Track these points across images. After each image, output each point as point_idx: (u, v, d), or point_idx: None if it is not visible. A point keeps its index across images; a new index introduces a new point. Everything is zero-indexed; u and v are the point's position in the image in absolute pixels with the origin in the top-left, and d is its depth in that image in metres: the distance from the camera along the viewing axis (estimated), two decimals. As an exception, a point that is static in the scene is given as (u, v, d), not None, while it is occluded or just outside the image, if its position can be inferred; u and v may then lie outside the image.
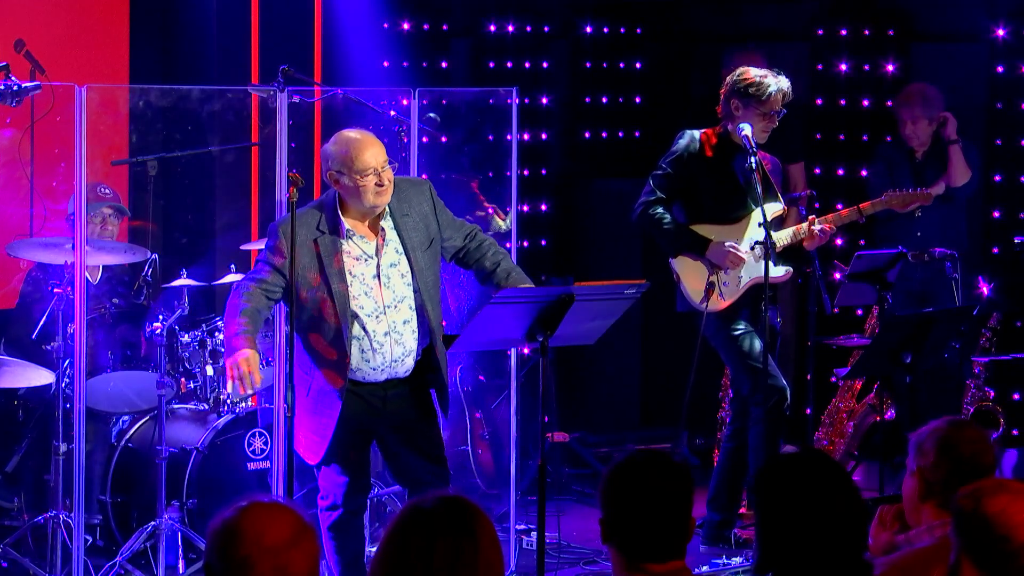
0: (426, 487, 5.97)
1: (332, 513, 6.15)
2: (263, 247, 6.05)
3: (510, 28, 10.16)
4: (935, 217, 8.78)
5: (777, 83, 7.37)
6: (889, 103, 9.81)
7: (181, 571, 7.06)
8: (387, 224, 6.03)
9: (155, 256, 7.36)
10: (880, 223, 9.00)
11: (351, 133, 6.05)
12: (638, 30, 10.72)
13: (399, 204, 6.05)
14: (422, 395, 6.15)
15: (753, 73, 7.40)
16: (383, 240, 6.01)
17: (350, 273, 5.95)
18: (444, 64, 9.95)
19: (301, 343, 6.01)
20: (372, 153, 5.92)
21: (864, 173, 9.80)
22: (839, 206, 7.97)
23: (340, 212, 5.97)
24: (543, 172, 10.31)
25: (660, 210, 7.46)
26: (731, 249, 7.37)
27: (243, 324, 5.89)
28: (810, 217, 7.58)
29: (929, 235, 8.68)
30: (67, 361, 6.92)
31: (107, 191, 7.64)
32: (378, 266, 5.99)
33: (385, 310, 5.99)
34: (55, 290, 6.91)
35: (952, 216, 8.85)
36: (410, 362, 6.06)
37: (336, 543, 6.17)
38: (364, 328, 5.95)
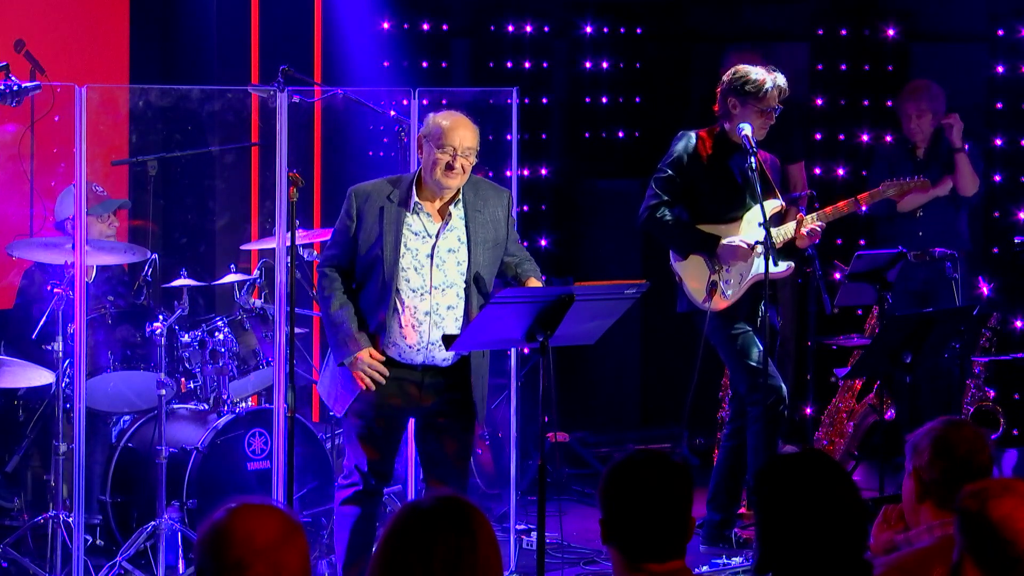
0: (452, 480, 6.09)
1: (348, 490, 6.22)
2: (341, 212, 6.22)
3: (510, 28, 10.16)
4: (937, 217, 8.77)
5: (773, 80, 7.38)
6: (889, 103, 9.81)
7: (181, 571, 7.06)
8: (457, 212, 6.16)
9: (155, 256, 7.35)
10: (882, 223, 9.00)
11: (458, 113, 6.27)
12: (638, 30, 10.72)
13: (475, 200, 6.21)
14: (461, 397, 6.18)
15: (749, 70, 7.40)
16: (447, 225, 6.13)
17: (405, 246, 6.08)
18: (444, 64, 9.95)
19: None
20: (461, 135, 6.10)
21: (864, 173, 9.79)
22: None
23: (415, 187, 6.13)
24: (543, 172, 10.31)
25: (666, 213, 7.47)
26: (741, 244, 7.37)
27: (342, 324, 6.08)
28: (799, 216, 7.57)
29: (931, 235, 8.66)
30: (67, 361, 6.91)
31: (100, 189, 7.64)
32: (434, 247, 6.10)
33: (431, 290, 6.08)
34: (55, 290, 6.90)
35: (954, 216, 8.84)
36: (449, 352, 6.09)
37: (345, 521, 6.18)
38: (404, 303, 6.05)
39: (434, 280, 6.08)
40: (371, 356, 6.07)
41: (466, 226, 6.16)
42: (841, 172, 9.98)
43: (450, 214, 6.14)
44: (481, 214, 6.19)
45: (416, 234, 6.09)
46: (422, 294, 6.07)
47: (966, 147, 8.76)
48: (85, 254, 6.76)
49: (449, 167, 6.05)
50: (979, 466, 4.07)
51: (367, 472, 6.18)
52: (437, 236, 6.11)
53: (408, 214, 6.09)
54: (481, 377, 6.21)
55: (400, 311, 6.05)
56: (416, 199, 6.11)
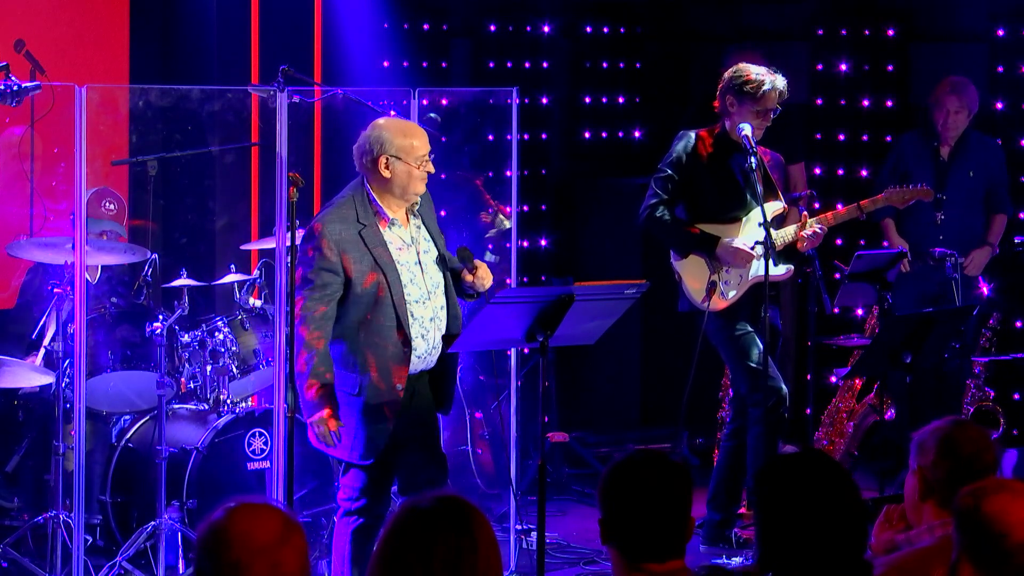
0: (429, 489, 5.96)
1: (360, 518, 6.05)
2: (305, 251, 5.93)
3: (510, 28, 10.16)
4: (956, 221, 8.71)
5: (773, 82, 7.37)
6: (889, 103, 9.81)
7: (181, 571, 7.06)
8: (415, 212, 6.11)
9: (155, 256, 7.36)
10: (902, 226, 8.89)
11: (401, 121, 6.17)
12: (638, 30, 10.72)
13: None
14: (433, 393, 6.16)
15: (750, 70, 7.40)
16: (416, 228, 6.09)
17: (397, 262, 5.99)
18: (444, 64, 9.95)
19: (347, 344, 5.95)
20: (424, 141, 6.04)
21: (864, 173, 9.78)
22: (839, 206, 7.95)
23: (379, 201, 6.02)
24: (543, 172, 10.31)
25: (665, 213, 7.47)
26: (741, 247, 7.36)
27: (315, 375, 5.87)
28: (803, 215, 7.56)
29: (951, 239, 8.62)
30: (67, 361, 6.91)
31: (112, 206, 7.60)
32: (417, 252, 6.06)
33: (429, 296, 6.04)
34: (55, 290, 6.91)
35: (974, 220, 8.79)
36: (439, 350, 6.08)
37: (356, 549, 6.04)
38: (414, 316, 5.98)
39: (428, 285, 6.05)
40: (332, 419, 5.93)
41: (424, 224, 6.15)
42: (841, 172, 9.97)
43: (414, 215, 6.10)
44: (423, 208, 6.16)
45: (399, 248, 6.02)
46: (423, 302, 6.02)
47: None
48: (85, 254, 6.76)
49: (427, 173, 6.02)
50: (984, 466, 4.07)
51: (384, 497, 6.09)
52: (415, 242, 6.06)
53: (383, 230, 6.00)
54: (455, 367, 6.21)
55: (411, 326, 5.99)
56: (389, 215, 6.02)
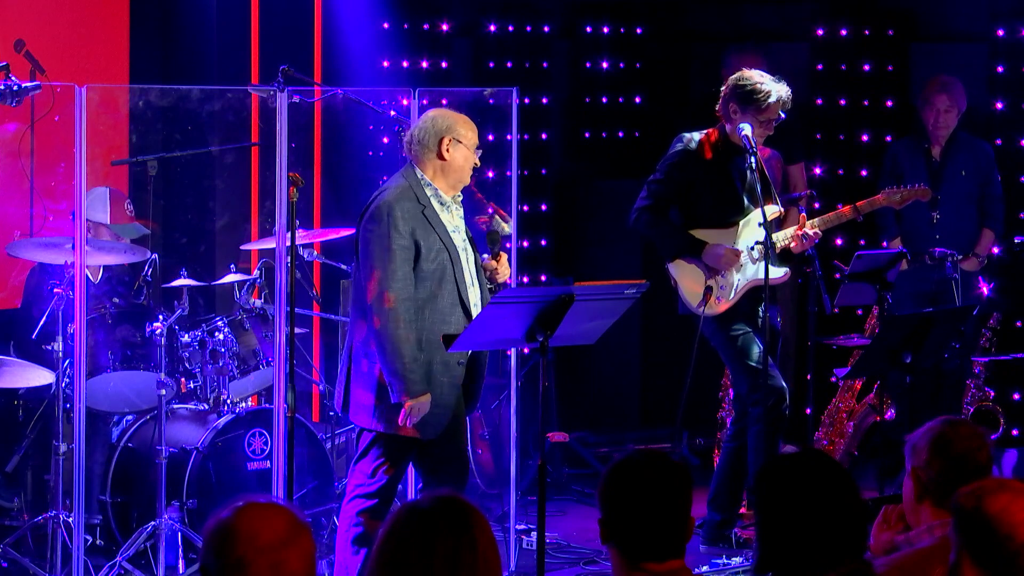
0: (456, 482, 6.07)
1: (370, 500, 6.07)
2: (380, 229, 6.00)
3: (510, 28, 10.16)
4: (952, 220, 8.72)
5: (778, 91, 7.31)
6: (889, 103, 9.80)
7: (181, 571, 7.06)
8: (459, 203, 6.25)
9: (155, 256, 7.36)
10: (899, 227, 8.89)
11: (455, 112, 6.30)
12: (638, 30, 10.72)
13: None
14: (470, 386, 6.23)
15: (755, 80, 7.33)
16: (460, 217, 6.22)
17: (453, 243, 6.12)
18: (444, 64, 9.95)
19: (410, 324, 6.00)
20: (477, 135, 6.23)
21: (864, 173, 9.78)
22: (839, 206, 7.94)
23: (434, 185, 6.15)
24: (543, 172, 10.31)
25: (655, 215, 7.46)
26: (726, 250, 7.35)
27: (416, 362, 5.95)
28: (801, 217, 7.54)
29: (947, 239, 8.62)
30: (67, 361, 6.91)
31: (131, 208, 7.63)
32: (463, 239, 6.19)
33: (474, 282, 6.18)
34: (55, 290, 6.91)
35: (969, 218, 8.79)
36: None
37: (364, 531, 6.05)
38: (468, 299, 6.12)
39: (473, 272, 6.19)
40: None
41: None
42: (841, 172, 9.97)
43: (459, 206, 6.23)
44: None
45: (452, 231, 6.15)
46: (471, 284, 6.17)
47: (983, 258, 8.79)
48: (85, 254, 6.76)
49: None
50: (977, 465, 4.07)
51: (395, 482, 6.11)
52: (460, 230, 6.20)
53: (441, 212, 6.13)
54: (484, 365, 6.27)
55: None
56: (443, 197, 6.15)
